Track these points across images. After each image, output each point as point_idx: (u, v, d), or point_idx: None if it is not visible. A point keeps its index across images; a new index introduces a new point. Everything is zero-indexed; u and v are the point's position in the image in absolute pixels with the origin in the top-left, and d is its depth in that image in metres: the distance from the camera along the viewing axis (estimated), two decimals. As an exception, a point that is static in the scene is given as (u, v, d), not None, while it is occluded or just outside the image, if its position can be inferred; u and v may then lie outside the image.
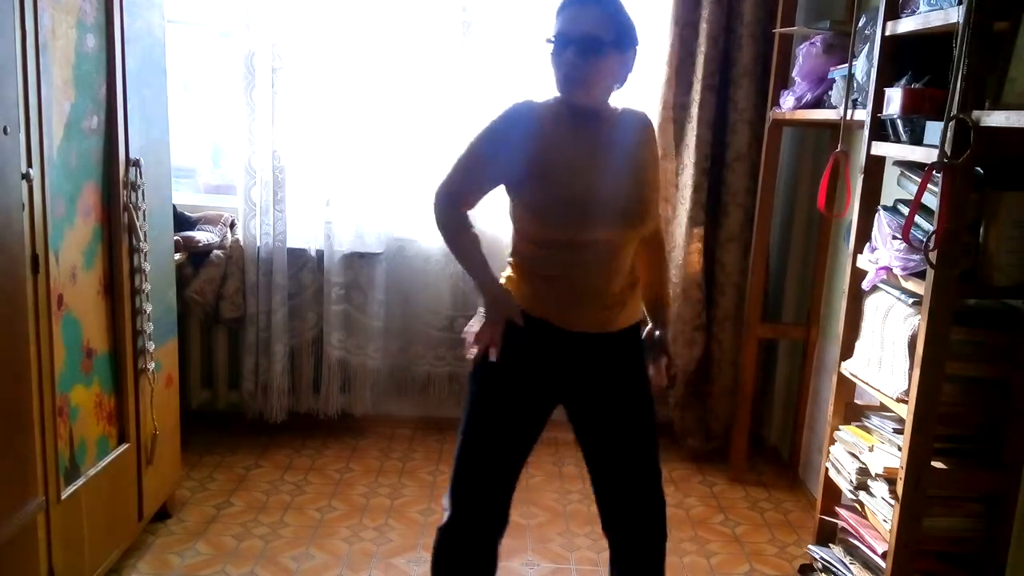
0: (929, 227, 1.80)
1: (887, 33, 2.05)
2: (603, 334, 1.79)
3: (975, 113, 1.65)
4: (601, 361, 1.81)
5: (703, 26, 3.13)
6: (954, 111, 1.67)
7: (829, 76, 2.66)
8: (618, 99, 1.82)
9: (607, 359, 1.82)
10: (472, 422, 1.80)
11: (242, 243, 3.35)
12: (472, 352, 1.78)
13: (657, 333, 1.92)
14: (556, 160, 1.71)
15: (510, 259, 1.84)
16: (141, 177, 2.35)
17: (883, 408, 2.12)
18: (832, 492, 2.31)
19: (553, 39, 1.68)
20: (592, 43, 1.65)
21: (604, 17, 1.68)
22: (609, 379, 1.83)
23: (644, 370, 1.87)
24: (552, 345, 1.78)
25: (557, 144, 1.72)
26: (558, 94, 1.73)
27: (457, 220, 1.81)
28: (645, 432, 1.84)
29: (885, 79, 2.07)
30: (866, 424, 2.18)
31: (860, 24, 2.31)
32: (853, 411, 2.28)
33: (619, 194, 1.72)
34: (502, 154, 1.73)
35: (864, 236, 2.17)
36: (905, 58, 2.05)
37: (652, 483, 1.85)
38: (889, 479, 1.96)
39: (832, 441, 2.27)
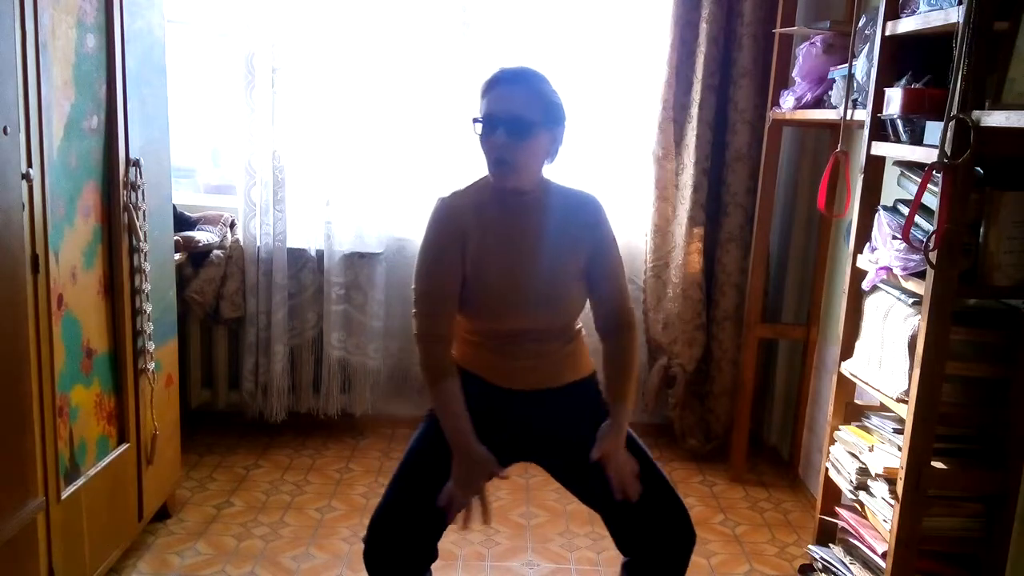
0: (929, 227, 1.80)
1: (887, 33, 2.05)
2: (544, 390, 1.79)
3: (975, 113, 1.65)
4: (551, 413, 1.78)
5: (703, 26, 3.13)
6: (954, 111, 1.67)
7: (829, 76, 2.66)
8: (557, 176, 1.81)
9: (558, 410, 1.79)
10: (407, 460, 1.79)
11: (242, 243, 3.35)
12: (453, 519, 1.70)
13: (607, 431, 1.73)
14: (479, 256, 1.73)
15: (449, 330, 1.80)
16: (141, 177, 2.35)
17: (883, 408, 2.12)
18: (832, 492, 2.31)
19: (481, 120, 1.68)
20: (521, 124, 1.65)
21: (531, 96, 1.67)
22: (568, 427, 1.78)
23: (605, 415, 1.78)
24: (489, 399, 1.77)
25: (480, 239, 1.73)
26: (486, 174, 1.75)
27: (439, 366, 1.74)
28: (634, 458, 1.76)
29: (885, 79, 2.07)
30: (866, 424, 2.18)
31: (860, 24, 2.31)
32: (853, 411, 2.28)
33: (535, 284, 1.71)
34: (445, 261, 1.74)
35: (864, 236, 2.17)
36: (905, 58, 2.05)
37: (664, 499, 1.77)
38: (889, 479, 1.96)
39: (832, 441, 2.27)
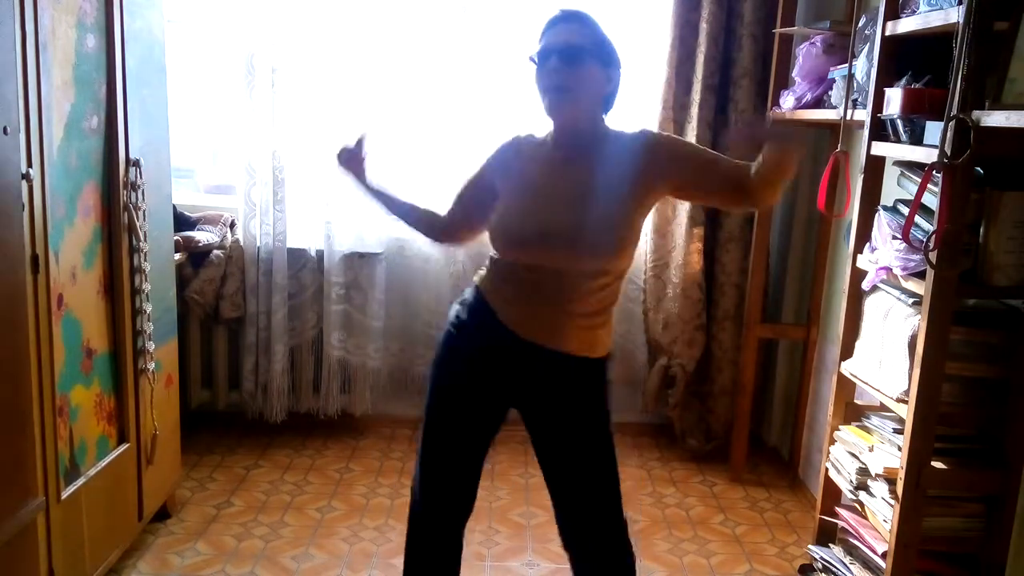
0: (929, 227, 1.80)
1: (887, 33, 2.05)
2: (555, 352, 1.74)
3: (975, 113, 1.65)
4: (554, 380, 1.77)
5: (703, 26, 3.13)
6: (954, 111, 1.67)
7: (829, 76, 2.66)
8: (616, 124, 1.79)
9: (560, 380, 1.77)
10: (425, 412, 1.87)
11: (242, 243, 3.35)
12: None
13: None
14: (513, 185, 1.78)
15: (489, 262, 1.85)
16: (141, 177, 2.35)
17: (883, 408, 2.12)
18: (832, 492, 2.31)
19: (537, 56, 1.72)
20: (572, 50, 1.68)
21: (584, 30, 1.71)
22: (563, 402, 1.78)
23: (604, 405, 1.81)
24: (496, 336, 1.77)
25: (521, 169, 1.78)
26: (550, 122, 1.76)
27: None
28: (597, 464, 1.78)
29: (885, 79, 2.07)
30: (866, 424, 2.18)
31: (860, 24, 2.31)
32: (853, 411, 2.28)
33: (569, 227, 1.68)
34: (478, 182, 1.88)
35: (864, 236, 2.17)
36: (905, 58, 2.05)
37: (604, 513, 1.79)
38: (889, 479, 1.96)
39: (832, 441, 2.27)
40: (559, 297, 1.72)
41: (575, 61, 1.67)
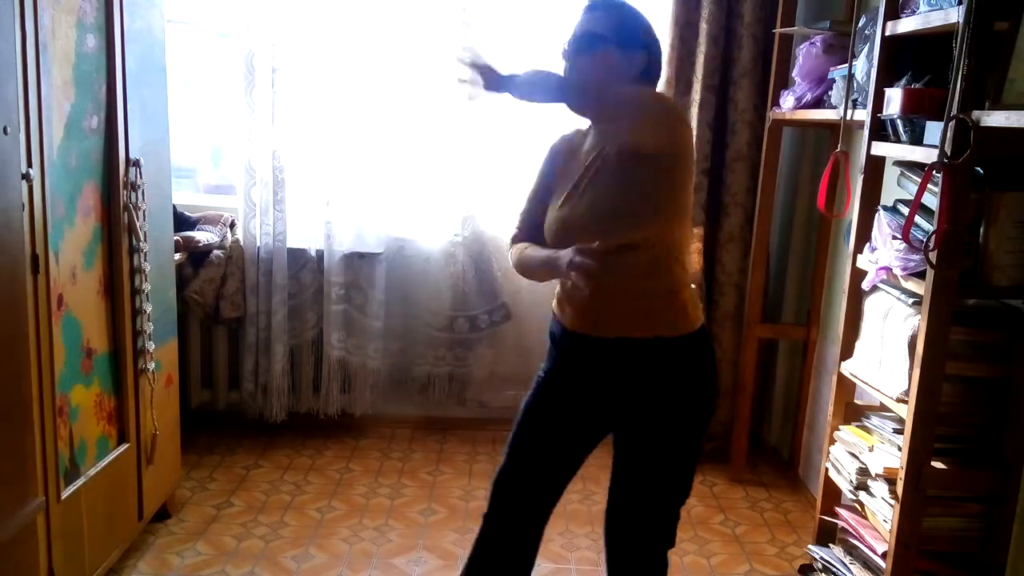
0: (929, 227, 1.80)
1: (887, 33, 2.05)
2: (625, 339, 1.70)
3: (975, 113, 1.65)
4: (636, 371, 1.72)
5: (703, 26, 3.13)
6: (954, 111, 1.67)
7: (829, 76, 2.66)
8: None
9: (631, 366, 1.72)
10: (520, 419, 1.86)
11: (242, 243, 3.35)
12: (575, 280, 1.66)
13: None
14: (561, 179, 1.81)
15: None
16: (141, 177, 2.35)
17: (883, 408, 2.12)
18: (832, 492, 2.31)
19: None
20: (589, 38, 1.69)
21: (605, 17, 1.71)
22: (637, 388, 1.73)
23: (674, 395, 1.73)
24: (580, 350, 1.77)
25: (568, 163, 1.81)
26: None
27: (513, 245, 1.89)
28: (661, 457, 1.74)
29: (885, 79, 2.07)
30: (866, 424, 2.18)
31: (860, 24, 2.31)
32: (853, 411, 2.28)
33: (585, 209, 1.69)
34: (539, 184, 1.88)
35: (864, 236, 2.17)
36: (905, 58, 2.05)
37: (650, 516, 1.78)
38: (889, 479, 1.96)
39: (832, 441, 2.27)
40: (613, 273, 1.64)
41: (587, 49, 1.69)
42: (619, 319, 1.71)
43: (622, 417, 1.77)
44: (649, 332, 1.70)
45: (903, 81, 2.00)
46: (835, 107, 2.57)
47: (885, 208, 2.09)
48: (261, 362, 3.39)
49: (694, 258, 3.27)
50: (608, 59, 1.70)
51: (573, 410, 1.82)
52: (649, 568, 1.81)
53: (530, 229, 1.86)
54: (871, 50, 2.19)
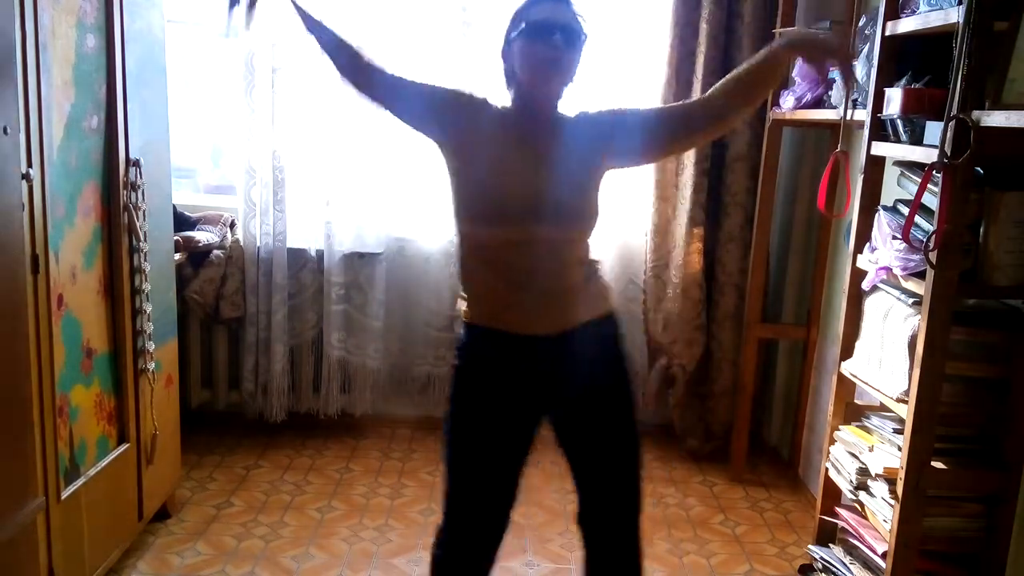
0: (929, 227, 1.80)
1: (887, 33, 2.05)
2: (563, 334, 1.73)
3: (975, 113, 1.65)
4: (571, 357, 1.75)
5: (703, 26, 3.13)
6: (954, 111, 1.67)
7: (829, 76, 2.66)
8: (571, 104, 1.80)
9: (577, 353, 1.75)
10: (449, 432, 1.79)
11: (242, 243, 3.35)
12: None
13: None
14: (480, 154, 1.73)
15: (460, 276, 1.84)
16: (141, 177, 2.35)
17: (883, 408, 2.12)
18: (832, 492, 2.31)
19: (530, 27, 1.68)
20: (573, 32, 1.70)
21: (574, 13, 1.72)
22: (584, 372, 1.76)
23: (621, 367, 1.82)
24: (511, 353, 1.75)
25: (487, 139, 1.73)
26: (512, 96, 1.76)
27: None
28: (622, 434, 1.81)
29: (885, 79, 2.07)
30: (866, 424, 2.18)
31: (860, 24, 2.31)
32: (853, 411, 2.28)
33: (534, 191, 1.68)
34: (430, 95, 1.80)
35: (864, 236, 2.17)
36: (905, 58, 2.05)
37: (626, 486, 1.82)
38: (889, 479, 1.96)
39: (832, 441, 2.27)
40: (548, 273, 1.70)
41: (573, 43, 1.70)
42: (583, 305, 1.76)
43: (574, 405, 1.79)
44: (604, 310, 1.81)
45: (903, 81, 2.00)
46: (835, 107, 2.57)
47: (885, 208, 2.09)
48: (261, 362, 3.39)
49: (694, 258, 3.28)
50: (579, 59, 1.72)
51: (521, 418, 1.78)
52: (638, 552, 1.84)
53: (383, 76, 1.84)
54: (871, 50, 2.19)
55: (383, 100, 1.85)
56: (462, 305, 1.81)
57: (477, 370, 1.77)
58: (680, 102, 1.78)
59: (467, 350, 1.78)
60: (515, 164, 1.71)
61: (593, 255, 1.81)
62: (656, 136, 1.79)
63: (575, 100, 1.80)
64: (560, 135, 1.74)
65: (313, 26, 1.89)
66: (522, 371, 1.76)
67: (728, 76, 1.73)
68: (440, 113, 1.78)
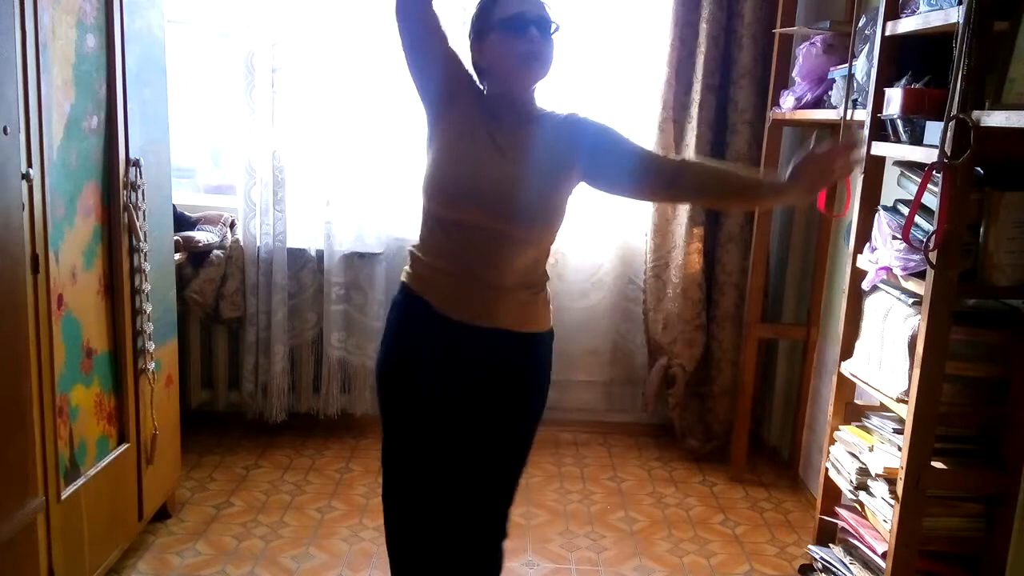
0: (929, 227, 1.80)
1: (887, 33, 2.05)
2: (482, 330, 1.73)
3: (975, 113, 1.65)
4: (481, 360, 1.75)
5: (703, 26, 3.13)
6: (954, 111, 1.67)
7: (829, 76, 2.66)
8: (546, 99, 1.80)
9: (487, 360, 1.75)
10: (377, 380, 1.85)
11: (242, 243, 3.35)
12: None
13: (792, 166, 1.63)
14: (457, 131, 1.72)
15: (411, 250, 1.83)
16: (141, 177, 2.35)
17: (883, 408, 2.12)
18: (832, 492, 2.31)
19: (505, 22, 1.67)
20: (548, 23, 1.70)
21: (543, 3, 1.72)
22: (488, 383, 1.76)
23: (534, 388, 1.81)
24: (428, 327, 1.75)
25: (468, 119, 1.73)
26: (486, 88, 1.76)
27: None
28: (504, 450, 1.80)
29: (885, 79, 2.07)
30: (866, 424, 2.18)
31: (860, 24, 2.31)
32: (853, 411, 2.28)
33: (499, 185, 1.68)
34: (457, 60, 1.76)
35: (864, 236, 2.17)
36: (905, 58, 2.05)
37: (495, 507, 1.83)
38: (889, 479, 1.96)
39: (832, 441, 2.27)
40: (488, 264, 1.70)
41: (549, 35, 1.70)
42: (502, 310, 1.73)
43: (477, 409, 1.78)
44: (537, 327, 1.79)
45: (903, 81, 2.00)
46: (835, 107, 2.57)
47: (885, 208, 2.10)
48: (261, 362, 3.39)
49: (694, 258, 3.28)
50: (554, 49, 1.72)
51: (429, 393, 1.79)
52: (496, 559, 1.86)
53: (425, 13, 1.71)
54: (871, 50, 2.19)
55: (420, 32, 1.73)
56: (406, 268, 1.82)
57: (399, 330, 1.81)
58: (665, 156, 1.77)
59: (397, 309, 1.83)
60: (476, 151, 1.71)
61: (543, 272, 1.80)
62: (626, 172, 1.76)
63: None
64: (533, 131, 1.74)
65: None
66: (434, 347, 1.76)
67: (713, 168, 1.75)
68: (454, 81, 1.76)
